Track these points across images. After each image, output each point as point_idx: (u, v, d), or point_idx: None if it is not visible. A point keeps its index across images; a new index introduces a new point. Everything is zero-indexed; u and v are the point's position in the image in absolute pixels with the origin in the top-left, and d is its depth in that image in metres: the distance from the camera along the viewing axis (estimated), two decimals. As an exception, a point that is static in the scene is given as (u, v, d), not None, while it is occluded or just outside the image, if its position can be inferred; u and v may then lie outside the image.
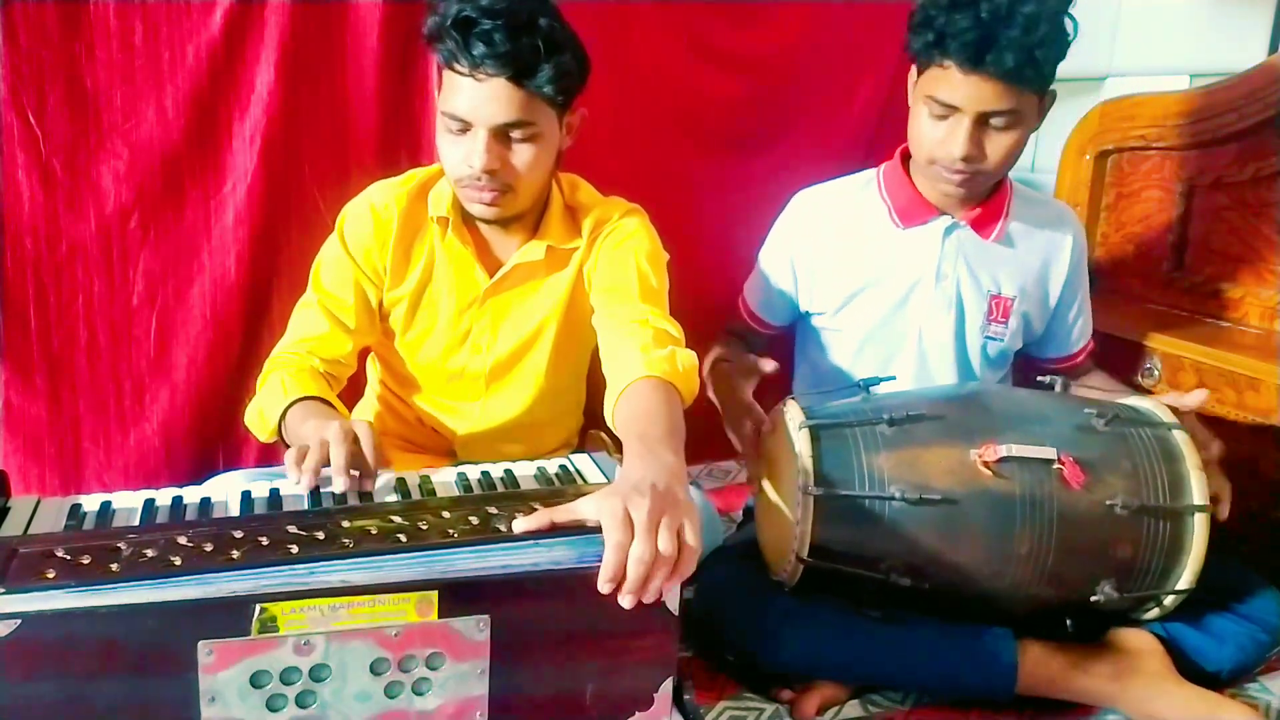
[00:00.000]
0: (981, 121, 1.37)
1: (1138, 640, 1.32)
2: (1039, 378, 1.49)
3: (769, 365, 1.43)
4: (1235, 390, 1.64)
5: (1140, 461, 1.28)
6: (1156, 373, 1.76)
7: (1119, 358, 1.82)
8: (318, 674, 0.88)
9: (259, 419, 1.29)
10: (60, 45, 1.49)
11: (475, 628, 0.90)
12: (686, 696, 1.03)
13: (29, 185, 1.52)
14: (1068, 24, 1.35)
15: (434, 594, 0.88)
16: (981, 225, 1.51)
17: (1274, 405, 1.58)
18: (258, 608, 0.85)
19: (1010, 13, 1.30)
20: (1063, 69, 1.37)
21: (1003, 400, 1.39)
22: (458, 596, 0.89)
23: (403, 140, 1.69)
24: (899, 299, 1.54)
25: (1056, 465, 1.25)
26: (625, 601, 0.88)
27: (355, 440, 1.08)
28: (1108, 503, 1.24)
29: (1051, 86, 1.40)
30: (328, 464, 1.05)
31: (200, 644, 0.84)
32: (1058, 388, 1.40)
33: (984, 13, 1.30)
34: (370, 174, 1.50)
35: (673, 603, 0.94)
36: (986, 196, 1.51)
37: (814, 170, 1.74)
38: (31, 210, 1.53)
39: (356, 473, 1.07)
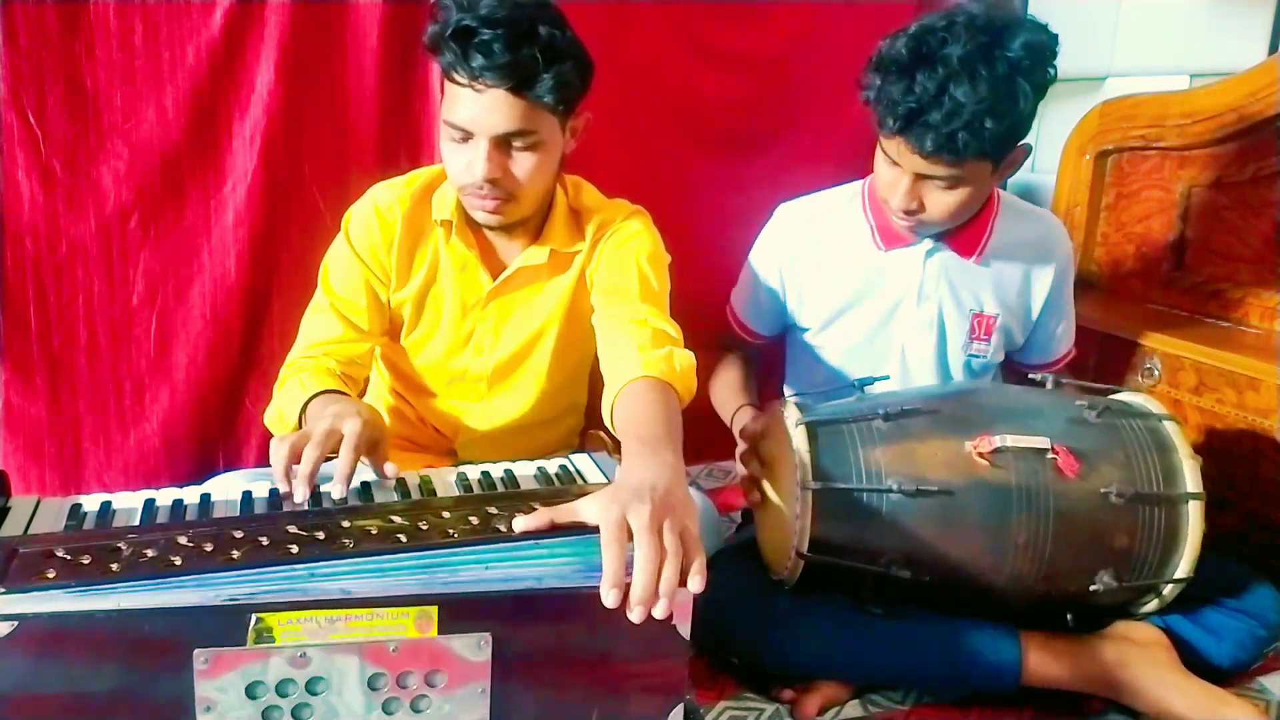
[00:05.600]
0: (923, 178, 1.36)
1: (1142, 632, 1.32)
2: (1029, 374, 1.49)
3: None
4: (1235, 390, 1.64)
5: (1133, 452, 1.29)
6: (1156, 373, 1.76)
7: (1119, 358, 1.82)
8: (313, 687, 0.86)
9: (278, 419, 1.28)
10: (60, 45, 1.49)
11: (476, 646, 0.88)
12: (687, 696, 1.02)
13: (29, 185, 1.52)
14: (1022, 94, 1.28)
15: (433, 609, 0.86)
16: (963, 246, 1.50)
17: (1274, 405, 1.58)
18: (253, 617, 0.84)
19: (939, 94, 1.26)
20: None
21: (996, 395, 1.39)
22: (459, 613, 0.87)
23: (403, 140, 1.70)
24: (881, 319, 1.54)
25: (1050, 455, 1.25)
26: (635, 615, 0.85)
27: (341, 439, 1.07)
28: (1102, 491, 1.24)
29: (1021, 143, 1.36)
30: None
31: (196, 652, 0.83)
32: (1049, 384, 1.40)
33: (916, 87, 1.27)
34: (370, 174, 1.50)
35: (684, 627, 0.92)
36: (968, 219, 1.49)
37: (814, 171, 1.74)
38: (31, 210, 1.54)
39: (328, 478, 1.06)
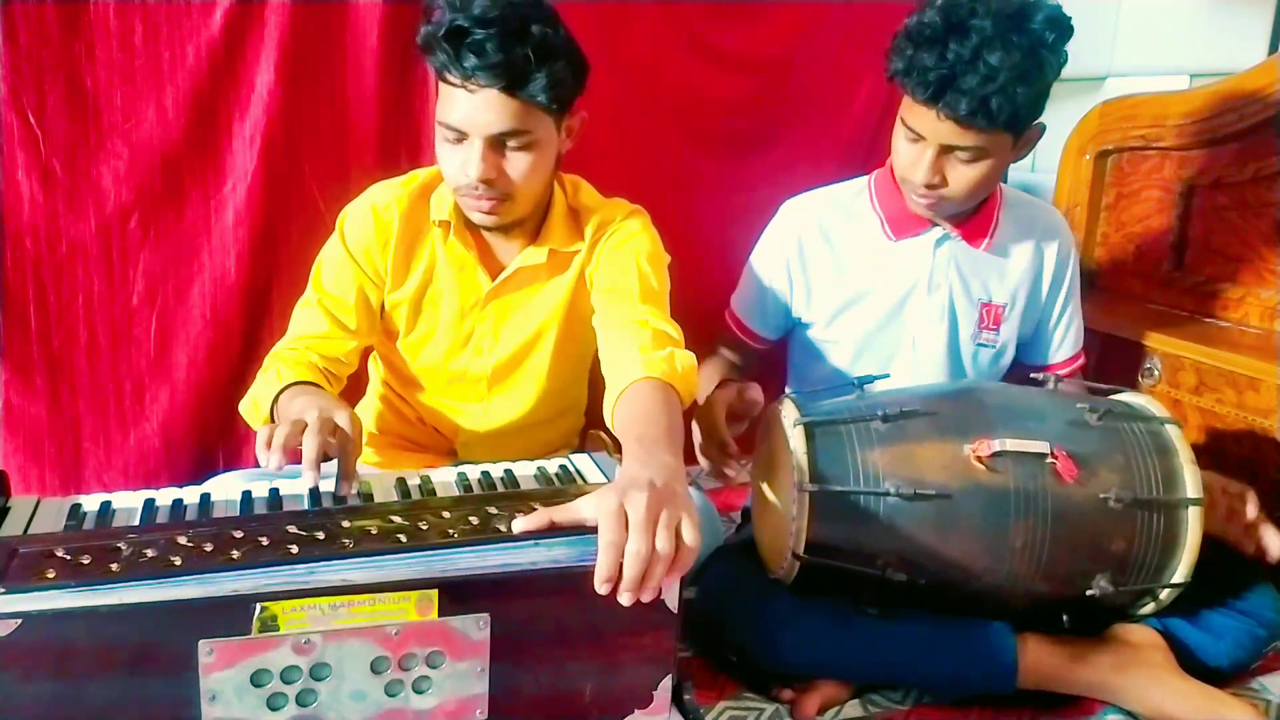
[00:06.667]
0: (946, 151, 1.37)
1: (1139, 634, 1.32)
2: (1031, 375, 1.49)
3: (755, 394, 1.39)
4: (1235, 390, 1.64)
5: (1133, 455, 1.29)
6: (1156, 373, 1.76)
7: (1119, 358, 1.82)
8: (318, 673, 0.88)
9: (253, 408, 1.28)
10: (60, 45, 1.49)
11: (475, 626, 0.90)
12: (686, 696, 1.03)
13: (29, 185, 1.52)
14: (1048, 64, 1.32)
15: (434, 592, 0.88)
16: (972, 235, 1.51)
17: (1274, 405, 1.58)
18: (258, 606, 0.85)
19: (974, 59, 1.29)
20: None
21: (996, 396, 1.39)
22: (458, 595, 0.89)
23: (403, 140, 1.70)
24: (892, 309, 1.54)
25: (1050, 459, 1.25)
26: (624, 599, 0.88)
27: (334, 430, 1.06)
28: (1101, 496, 1.24)
29: (1036, 121, 1.38)
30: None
31: (201, 643, 0.84)
32: (1050, 385, 1.40)
33: (949, 54, 1.29)
34: (370, 174, 1.50)
35: (672, 601, 0.94)
36: (976, 207, 1.50)
37: (814, 171, 1.73)
38: (31, 210, 1.54)
39: (330, 475, 1.05)
